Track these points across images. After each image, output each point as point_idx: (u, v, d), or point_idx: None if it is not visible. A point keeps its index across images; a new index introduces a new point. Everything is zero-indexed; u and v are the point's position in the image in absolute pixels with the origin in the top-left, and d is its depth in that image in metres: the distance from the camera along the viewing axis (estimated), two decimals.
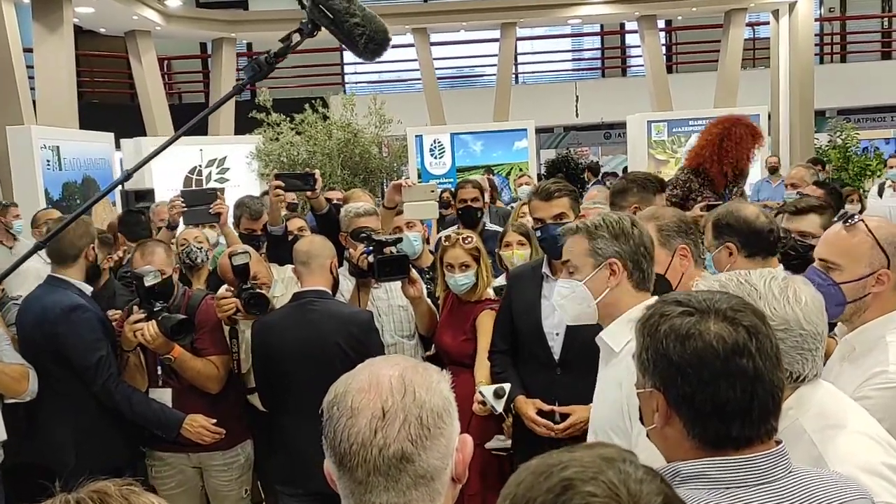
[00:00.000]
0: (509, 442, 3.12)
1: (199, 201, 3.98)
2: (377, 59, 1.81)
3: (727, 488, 1.24)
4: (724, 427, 1.25)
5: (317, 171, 3.93)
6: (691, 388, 1.25)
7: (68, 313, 3.21)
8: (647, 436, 1.36)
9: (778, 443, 1.30)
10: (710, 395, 1.24)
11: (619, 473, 0.88)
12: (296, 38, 1.94)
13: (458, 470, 1.20)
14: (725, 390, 1.24)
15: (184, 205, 3.90)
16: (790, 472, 1.28)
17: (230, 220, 4.44)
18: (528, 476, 0.90)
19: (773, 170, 10.75)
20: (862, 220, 2.04)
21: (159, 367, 3.33)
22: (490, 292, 3.40)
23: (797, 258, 2.85)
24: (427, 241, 4.18)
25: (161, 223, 4.64)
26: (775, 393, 1.27)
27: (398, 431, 1.14)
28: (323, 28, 1.87)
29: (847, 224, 2.05)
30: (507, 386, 2.96)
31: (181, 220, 4.04)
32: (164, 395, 3.33)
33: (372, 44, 1.74)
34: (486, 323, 3.26)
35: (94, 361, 3.20)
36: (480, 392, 3.00)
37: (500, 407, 2.94)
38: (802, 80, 12.53)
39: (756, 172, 11.45)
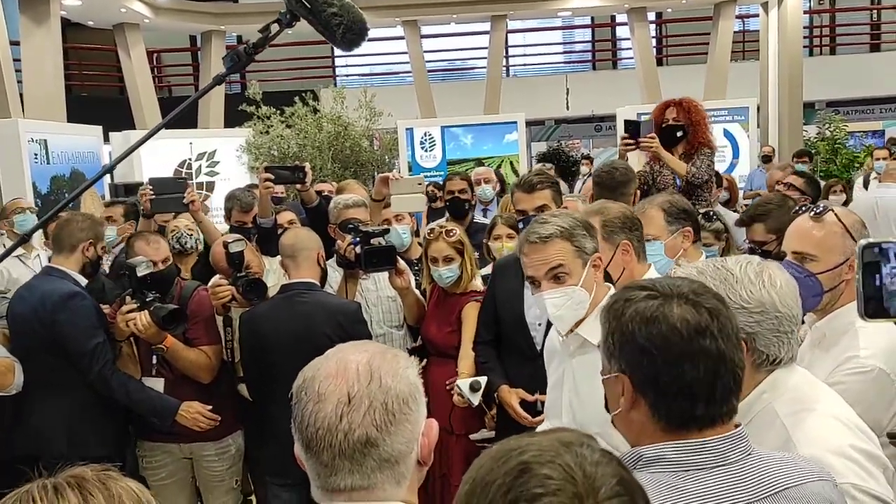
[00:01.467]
0: (493, 433, 3.14)
1: (169, 190, 3.97)
2: (355, 49, 1.82)
3: (686, 471, 1.26)
4: (689, 407, 1.28)
5: (307, 164, 3.95)
6: (656, 370, 1.28)
7: (66, 300, 3.24)
8: (612, 422, 1.39)
9: (737, 426, 1.33)
10: (676, 375, 1.27)
11: (576, 457, 0.91)
12: (274, 28, 1.95)
13: (423, 453, 1.24)
14: (690, 370, 1.27)
15: (153, 192, 3.90)
16: (749, 454, 1.30)
17: (217, 212, 4.44)
18: (487, 461, 0.93)
19: (767, 159, 10.81)
20: (832, 210, 2.08)
21: (154, 357, 3.35)
22: (477, 283, 3.42)
23: (768, 257, 2.90)
24: (416, 233, 4.20)
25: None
26: (736, 373, 1.30)
27: (363, 417, 1.18)
28: (302, 19, 1.87)
29: (815, 215, 2.08)
30: (482, 379, 3.00)
31: (150, 207, 4.03)
32: (156, 385, 3.36)
33: (350, 34, 1.75)
34: (470, 314, 3.28)
35: (91, 348, 3.22)
36: (457, 385, 3.03)
37: (475, 400, 2.98)
38: (791, 72, 12.58)
39: (747, 162, 11.53)
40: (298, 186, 3.89)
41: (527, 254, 2.21)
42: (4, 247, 5.93)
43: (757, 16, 14.43)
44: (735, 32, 13.74)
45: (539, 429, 2.55)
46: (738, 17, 14.16)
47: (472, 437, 3.15)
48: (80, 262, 3.40)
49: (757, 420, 1.54)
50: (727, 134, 12.05)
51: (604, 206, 2.56)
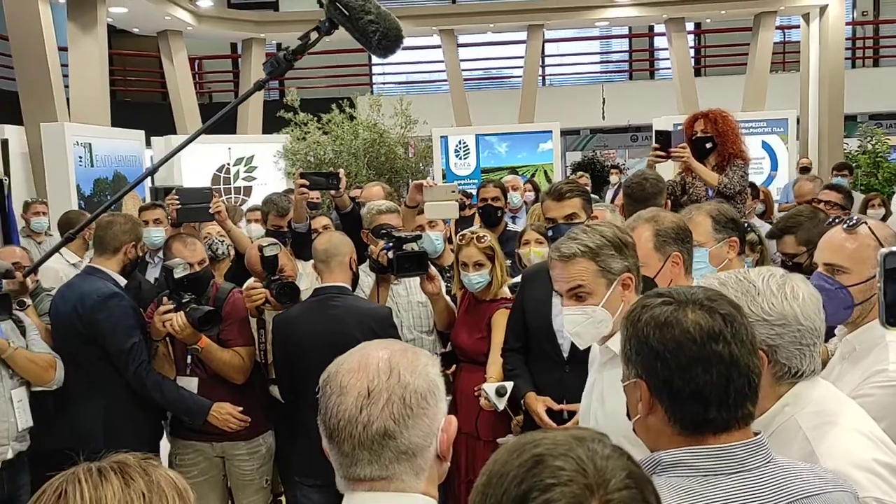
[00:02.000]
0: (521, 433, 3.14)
1: (195, 199, 4.01)
2: (390, 56, 1.86)
3: (705, 476, 1.28)
4: (702, 410, 1.29)
5: (341, 171, 4.00)
6: (670, 374, 1.30)
7: (106, 300, 3.33)
8: (633, 429, 1.40)
9: (756, 433, 1.33)
10: (688, 379, 1.29)
11: (588, 451, 0.93)
12: (314, 35, 2.00)
13: (442, 448, 1.29)
14: (702, 375, 1.28)
15: (179, 202, 3.95)
16: (768, 461, 1.31)
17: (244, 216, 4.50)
18: (503, 454, 0.97)
19: (805, 170, 10.65)
20: (865, 223, 2.06)
21: (188, 357, 3.43)
22: (506, 291, 3.43)
23: (798, 270, 2.89)
24: (450, 240, 4.23)
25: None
26: (751, 378, 1.32)
27: (382, 410, 1.24)
28: (340, 26, 1.93)
29: (849, 227, 2.07)
30: (508, 385, 3.01)
31: (177, 217, 4.07)
32: (190, 384, 3.43)
33: (385, 40, 1.80)
34: (500, 321, 3.30)
35: (128, 347, 3.31)
36: (484, 389, 3.05)
37: (501, 405, 2.99)
38: (832, 84, 12.38)
39: (786, 174, 11.38)
40: (332, 192, 3.94)
41: (552, 268, 2.22)
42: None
43: (798, 27, 14.23)
44: (775, 43, 13.57)
45: None
46: (778, 27, 13.99)
47: (499, 440, 3.17)
48: (121, 262, 3.49)
49: (779, 433, 1.54)
50: (765, 146, 11.90)
51: (657, 214, 2.52)
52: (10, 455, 3.13)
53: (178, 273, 3.28)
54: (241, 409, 3.38)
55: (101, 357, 3.35)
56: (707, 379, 1.28)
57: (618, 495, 0.90)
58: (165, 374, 3.45)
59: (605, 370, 2.22)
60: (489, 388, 3.02)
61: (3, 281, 3.16)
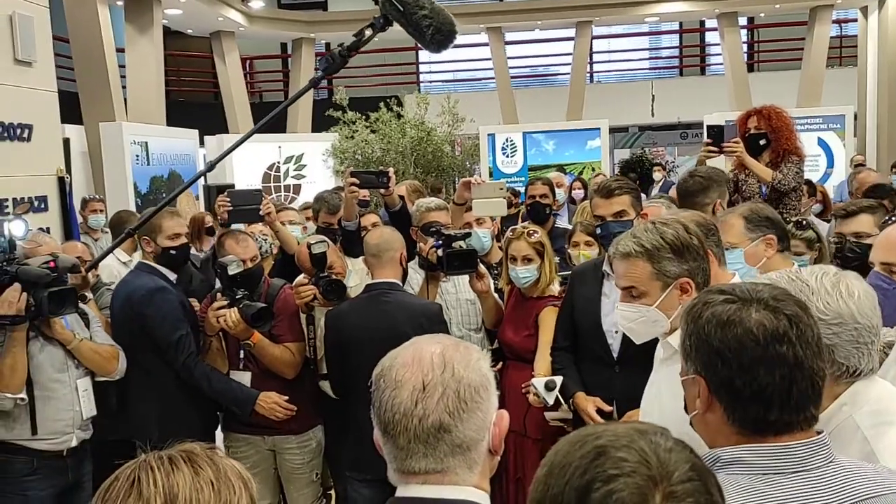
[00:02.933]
0: (570, 414, 3.09)
1: (246, 201, 4.07)
2: (444, 50, 1.88)
3: (765, 474, 1.26)
4: (763, 412, 1.27)
5: (391, 169, 4.03)
6: (731, 373, 1.28)
7: (153, 294, 3.44)
8: (691, 423, 1.39)
9: (819, 433, 1.31)
10: (749, 380, 1.27)
11: (651, 444, 0.93)
12: (368, 32, 2.03)
13: (494, 442, 1.30)
14: (764, 376, 1.27)
15: (230, 204, 4.02)
16: (830, 461, 1.29)
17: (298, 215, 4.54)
18: (564, 445, 0.97)
19: (857, 166, 10.36)
20: None
21: (241, 352, 3.50)
22: (554, 288, 3.41)
23: (856, 259, 2.81)
24: (497, 237, 4.23)
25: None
26: (815, 381, 1.29)
27: (437, 403, 1.25)
28: (394, 23, 1.95)
29: None
30: (558, 379, 2.99)
31: (227, 218, 4.15)
32: (243, 378, 3.50)
33: (439, 35, 1.81)
34: (547, 319, 3.28)
35: (175, 339, 3.40)
36: (532, 384, 3.04)
37: (550, 399, 2.97)
38: (891, 78, 12.01)
39: (842, 171, 11.08)
40: (382, 191, 3.98)
41: (613, 263, 2.20)
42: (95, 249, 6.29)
43: (856, 20, 13.84)
44: (832, 37, 13.23)
45: None
46: (835, 21, 13.64)
47: (548, 415, 3.13)
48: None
49: (837, 432, 1.52)
50: (821, 143, 11.61)
51: (676, 216, 2.52)
52: (74, 443, 3.24)
53: (233, 270, 3.35)
54: (288, 399, 3.43)
55: (152, 349, 3.45)
56: (769, 380, 1.27)
57: (681, 487, 0.90)
58: (218, 368, 3.52)
59: (665, 366, 2.20)
60: (538, 382, 3.01)
61: (69, 275, 3.27)
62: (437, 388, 1.26)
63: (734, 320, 1.29)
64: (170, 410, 3.46)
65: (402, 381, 1.27)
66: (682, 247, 2.07)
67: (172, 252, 3.53)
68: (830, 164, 11.44)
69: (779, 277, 1.61)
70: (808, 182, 6.32)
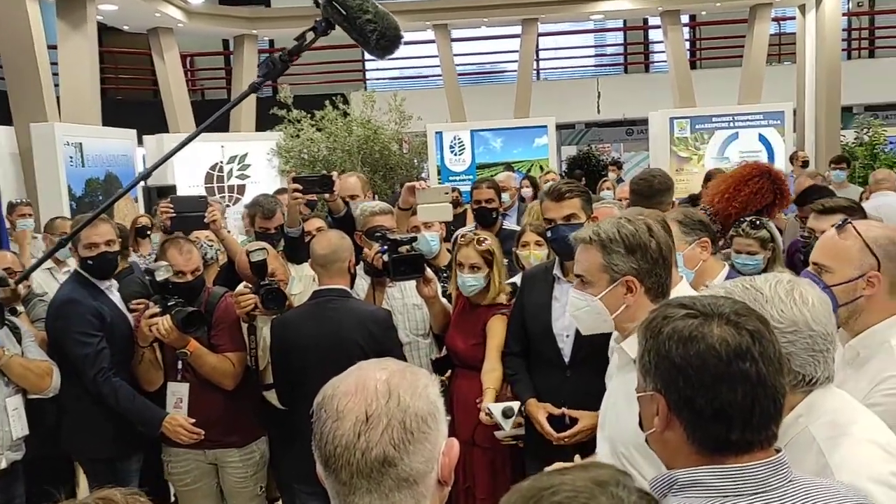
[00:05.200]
0: (522, 430, 3.05)
1: (190, 208, 3.88)
2: (389, 56, 1.80)
3: (725, 497, 1.22)
4: (725, 431, 1.23)
5: (334, 174, 3.92)
6: (692, 391, 1.23)
7: (60, 307, 3.33)
8: (647, 441, 1.34)
9: (777, 451, 1.28)
10: (711, 398, 1.23)
11: (612, 498, 0.86)
12: (310, 35, 1.93)
13: (443, 473, 1.21)
14: (727, 394, 1.22)
15: (174, 211, 3.84)
16: (789, 480, 1.26)
17: (235, 221, 4.40)
18: (518, 499, 0.88)
19: (803, 164, 10.61)
20: (851, 223, 2.03)
21: (179, 362, 3.37)
22: (503, 298, 3.35)
23: None
24: (446, 239, 4.16)
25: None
26: (777, 398, 1.26)
27: (381, 435, 1.16)
28: (337, 26, 1.86)
29: (839, 226, 2.04)
30: (515, 405, 2.96)
31: (170, 225, 3.95)
32: (181, 390, 3.38)
33: (384, 40, 1.73)
34: (495, 327, 3.23)
35: (83, 354, 3.27)
36: (489, 408, 2.98)
37: (507, 426, 2.93)
38: (829, 75, 12.33)
39: (783, 167, 11.33)
40: (326, 196, 3.87)
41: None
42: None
43: (794, 18, 14.18)
44: (771, 35, 13.52)
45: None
46: (774, 19, 13.95)
47: (498, 434, 3.09)
48: None
49: (793, 444, 1.49)
50: (762, 138, 11.86)
51: (641, 212, 2.50)
52: (3, 464, 3.08)
53: (160, 276, 3.23)
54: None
55: (67, 362, 3.32)
56: (732, 398, 1.22)
57: None
58: (153, 380, 3.39)
59: (622, 373, 2.16)
60: (495, 408, 2.96)
61: None
62: (382, 419, 1.17)
63: (696, 336, 1.24)
64: (80, 424, 3.35)
65: (343, 412, 1.18)
66: (635, 245, 2.05)
67: (90, 262, 3.38)
68: (771, 159, 11.69)
69: (732, 286, 1.57)
70: None
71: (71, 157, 8.19)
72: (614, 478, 0.89)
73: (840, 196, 4.44)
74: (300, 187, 3.75)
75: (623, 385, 2.04)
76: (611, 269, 2.06)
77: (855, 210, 3.07)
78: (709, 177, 6.43)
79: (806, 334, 1.50)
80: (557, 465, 1.40)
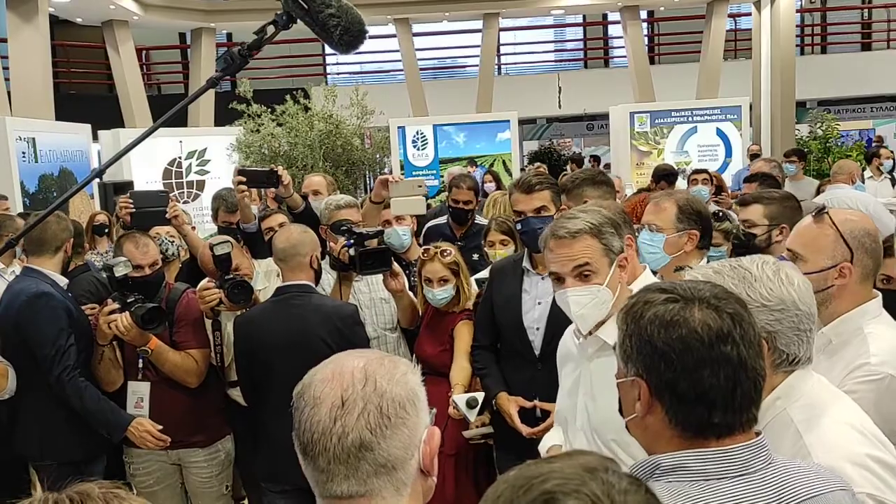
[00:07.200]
0: (490, 428, 3.04)
1: (151, 203, 3.78)
2: (353, 52, 1.76)
3: (706, 480, 1.23)
4: (707, 414, 1.24)
5: (280, 167, 3.84)
6: (674, 375, 1.24)
7: (32, 301, 3.17)
8: (627, 427, 1.35)
9: (758, 434, 1.29)
10: (694, 381, 1.23)
11: (602, 484, 0.85)
12: (270, 30, 1.89)
13: (425, 462, 1.20)
14: (709, 377, 1.23)
15: (134, 206, 3.75)
16: (770, 463, 1.27)
17: (196, 217, 4.32)
18: (506, 489, 0.87)
19: (755, 157, 10.81)
20: (827, 213, 2.05)
21: (140, 361, 3.28)
22: (470, 304, 3.35)
23: (741, 245, 2.92)
24: (417, 233, 4.13)
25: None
26: (757, 381, 1.27)
27: (357, 420, 1.16)
28: (298, 20, 1.82)
29: (816, 215, 2.06)
30: (479, 396, 2.95)
31: (130, 221, 3.85)
32: (142, 388, 3.29)
33: (347, 35, 1.70)
34: (462, 331, 3.25)
35: (53, 351, 3.14)
36: (454, 400, 2.97)
37: (472, 417, 2.93)
38: (783, 71, 12.59)
39: (740, 160, 11.53)
40: (284, 194, 3.80)
41: (552, 249, 2.13)
42: None
43: (749, 14, 14.43)
44: (727, 31, 13.74)
45: (547, 435, 2.49)
46: (730, 15, 14.18)
47: (466, 433, 3.08)
48: (61, 261, 3.33)
49: (771, 426, 1.51)
50: (719, 133, 12.06)
51: (600, 204, 2.50)
52: None
53: (119, 271, 3.13)
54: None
55: (32, 361, 3.17)
56: (714, 382, 1.23)
57: None
58: (113, 379, 3.29)
59: (593, 361, 2.15)
60: (459, 399, 2.95)
61: None
62: (358, 404, 1.16)
63: (678, 320, 1.24)
64: (51, 426, 3.22)
65: (320, 398, 1.18)
66: (619, 223, 2.13)
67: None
68: (729, 153, 11.90)
69: (721, 266, 1.59)
70: (705, 171, 6.55)
71: (24, 153, 7.98)
72: (602, 464, 0.88)
73: (791, 188, 4.58)
74: (244, 179, 3.68)
75: (601, 372, 2.04)
76: (609, 250, 2.10)
77: (773, 200, 3.10)
78: (659, 176, 6.56)
79: (793, 313, 1.52)
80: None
